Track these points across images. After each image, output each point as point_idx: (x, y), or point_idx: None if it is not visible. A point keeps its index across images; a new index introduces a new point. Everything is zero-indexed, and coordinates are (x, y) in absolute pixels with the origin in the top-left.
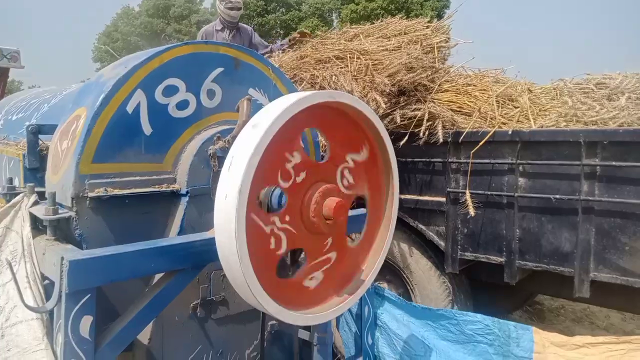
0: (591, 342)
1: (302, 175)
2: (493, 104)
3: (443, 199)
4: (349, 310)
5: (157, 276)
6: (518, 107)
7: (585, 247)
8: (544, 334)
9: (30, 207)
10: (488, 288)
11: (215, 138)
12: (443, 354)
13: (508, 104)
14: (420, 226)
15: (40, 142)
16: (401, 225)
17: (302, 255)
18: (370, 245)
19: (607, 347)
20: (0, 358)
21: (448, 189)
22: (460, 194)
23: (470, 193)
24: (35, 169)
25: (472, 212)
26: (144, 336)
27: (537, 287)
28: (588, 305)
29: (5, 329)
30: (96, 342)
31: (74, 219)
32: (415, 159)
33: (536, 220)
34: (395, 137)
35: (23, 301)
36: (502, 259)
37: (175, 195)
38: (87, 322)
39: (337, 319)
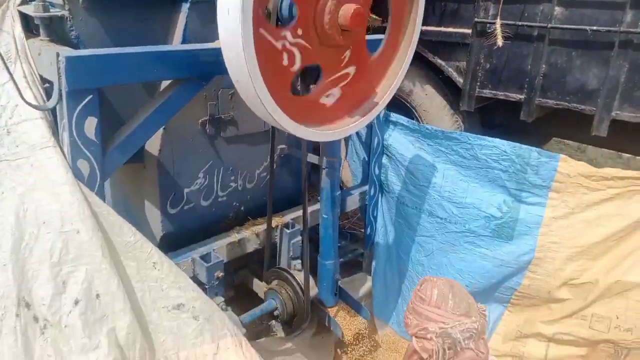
0: (619, 176)
1: None
2: None
3: (468, 31)
4: (359, 138)
5: (164, 85)
6: None
7: (613, 84)
8: (573, 162)
9: (19, 5)
10: (501, 131)
11: None
12: (452, 180)
13: None
14: (439, 61)
15: None
16: (418, 60)
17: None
18: (387, 66)
19: (632, 181)
20: (10, 153)
21: (476, 19)
22: (488, 25)
23: (501, 22)
24: None
25: (500, 42)
26: (154, 147)
27: (552, 129)
28: (595, 157)
29: (10, 126)
30: (104, 145)
31: (68, 19)
32: None
33: (566, 55)
34: None
35: (23, 98)
36: (521, 96)
37: (176, 3)
38: (91, 123)
39: (347, 148)
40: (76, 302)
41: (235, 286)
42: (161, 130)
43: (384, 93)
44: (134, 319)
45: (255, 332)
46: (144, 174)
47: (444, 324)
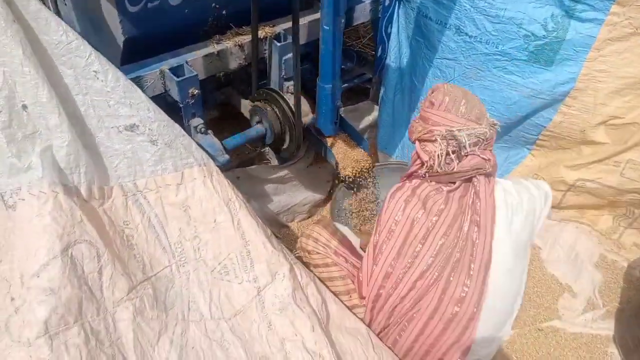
0: None
1: None
2: None
3: None
4: None
5: None
6: None
7: None
8: None
9: None
10: None
11: None
12: None
13: None
14: None
15: None
16: None
17: None
18: None
19: None
20: None
21: None
22: None
23: None
24: None
25: None
26: None
27: None
28: None
29: None
30: None
31: None
32: None
33: None
34: None
35: None
36: None
37: None
38: None
39: None
40: None
41: (218, 106)
42: None
43: None
44: (75, 137)
45: (247, 159)
46: None
47: (450, 127)
